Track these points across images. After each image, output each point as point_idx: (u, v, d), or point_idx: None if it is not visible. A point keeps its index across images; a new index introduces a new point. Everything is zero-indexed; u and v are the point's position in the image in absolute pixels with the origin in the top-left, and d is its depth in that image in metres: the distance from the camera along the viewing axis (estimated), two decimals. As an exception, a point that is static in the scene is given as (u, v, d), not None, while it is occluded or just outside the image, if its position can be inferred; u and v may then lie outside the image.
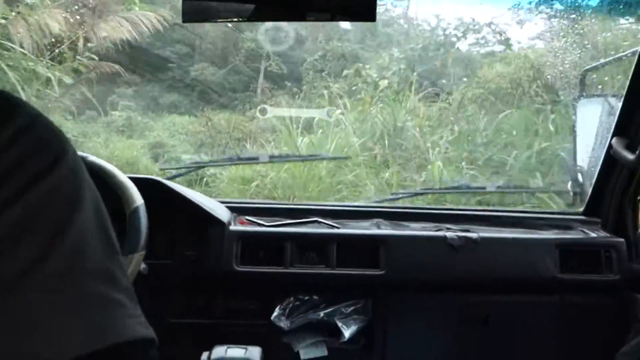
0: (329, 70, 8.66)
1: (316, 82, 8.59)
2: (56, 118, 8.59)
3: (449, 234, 1.94)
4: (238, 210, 2.08)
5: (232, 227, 1.90)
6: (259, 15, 1.56)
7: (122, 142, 9.48)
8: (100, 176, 1.65)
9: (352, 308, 1.92)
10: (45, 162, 0.54)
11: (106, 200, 0.60)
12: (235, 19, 1.55)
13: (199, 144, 9.57)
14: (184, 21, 1.56)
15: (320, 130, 6.89)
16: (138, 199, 1.62)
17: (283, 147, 6.93)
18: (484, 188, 2.22)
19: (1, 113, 0.55)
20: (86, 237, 0.54)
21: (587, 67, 3.21)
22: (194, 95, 10.66)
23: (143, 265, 1.57)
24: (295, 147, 6.03)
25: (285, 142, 6.89)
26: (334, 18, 1.45)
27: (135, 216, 1.57)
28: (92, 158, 1.69)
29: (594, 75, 2.82)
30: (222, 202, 2.09)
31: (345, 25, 9.01)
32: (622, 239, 1.99)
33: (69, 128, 9.10)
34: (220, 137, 9.40)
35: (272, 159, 2.25)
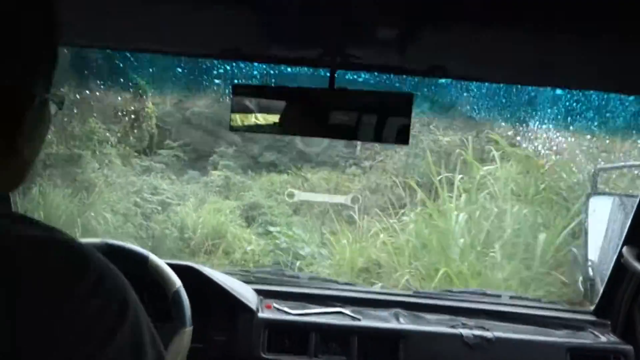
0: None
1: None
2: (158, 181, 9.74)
3: (464, 332, 2.03)
4: (264, 293, 2.18)
5: (260, 315, 1.99)
6: (296, 130, 1.70)
7: (217, 203, 9.46)
8: (139, 262, 1.78)
9: (371, 401, 1.99)
10: (116, 312, 0.65)
11: (147, 284, 0.75)
12: (276, 133, 1.69)
13: (295, 207, 9.44)
14: (231, 129, 1.71)
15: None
16: (177, 281, 1.75)
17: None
18: (499, 296, 2.32)
19: (78, 265, 0.66)
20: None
21: (601, 166, 3.34)
22: (292, 154, 10.56)
23: None
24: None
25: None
26: (370, 139, 1.59)
27: (179, 295, 1.73)
28: (130, 246, 1.82)
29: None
30: (248, 283, 2.19)
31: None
32: (631, 347, 2.06)
33: (167, 190, 9.65)
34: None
35: (312, 279, 2.37)
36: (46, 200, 7.81)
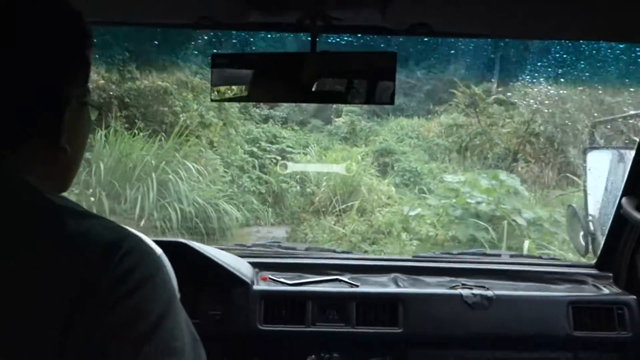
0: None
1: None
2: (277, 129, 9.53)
3: (464, 292, 2.01)
4: (260, 266, 2.16)
5: (256, 287, 1.98)
6: (279, 96, 1.66)
7: (343, 150, 8.89)
8: None
9: (372, 366, 1.98)
10: (144, 274, 0.74)
11: None
12: (259, 99, 1.64)
13: (432, 149, 8.94)
14: (212, 100, 1.66)
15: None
16: (157, 249, 1.69)
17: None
18: (499, 255, 2.30)
19: (134, 260, 0.74)
20: (178, 327, 0.75)
21: (597, 120, 3.28)
22: (420, 96, 10.03)
23: None
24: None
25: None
26: (353, 101, 1.54)
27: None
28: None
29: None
30: (244, 257, 2.17)
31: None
32: (634, 296, 2.04)
33: (287, 138, 9.32)
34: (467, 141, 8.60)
35: (309, 250, 2.34)
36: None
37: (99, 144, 7.17)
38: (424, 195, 8.08)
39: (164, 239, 1.91)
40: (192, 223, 7.01)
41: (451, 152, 9.09)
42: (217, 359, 1.97)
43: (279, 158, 8.78)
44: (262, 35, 1.71)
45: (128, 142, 7.45)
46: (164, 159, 7.53)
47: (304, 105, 9.83)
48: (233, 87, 1.62)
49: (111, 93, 7.48)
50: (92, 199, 6.69)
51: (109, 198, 6.86)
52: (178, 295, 1.46)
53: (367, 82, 1.51)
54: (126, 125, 7.66)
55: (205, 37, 1.75)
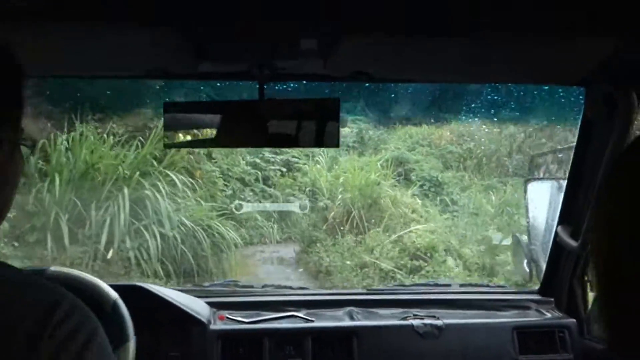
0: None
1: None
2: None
3: (415, 322, 2.09)
4: (217, 305, 2.20)
5: (213, 326, 2.01)
6: (229, 142, 1.73)
7: (354, 160, 8.22)
8: (70, 284, 1.74)
9: (329, 400, 2.03)
10: (82, 341, 0.71)
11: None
12: (210, 145, 1.72)
13: (446, 157, 8.40)
14: (165, 147, 1.73)
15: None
16: (113, 294, 1.71)
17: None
18: (449, 285, 2.40)
19: (53, 300, 0.72)
20: None
21: (535, 153, 3.48)
22: (426, 104, 9.66)
23: None
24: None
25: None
26: (300, 145, 1.63)
27: (117, 307, 1.66)
28: (54, 269, 1.76)
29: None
30: (201, 297, 2.21)
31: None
32: (574, 320, 2.16)
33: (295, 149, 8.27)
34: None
35: (265, 287, 2.40)
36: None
37: (58, 153, 5.94)
38: (447, 207, 7.59)
39: (120, 282, 1.93)
40: (178, 252, 5.97)
41: (466, 160, 8.59)
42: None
43: (284, 169, 8.26)
44: (212, 83, 1.80)
45: (97, 149, 6.15)
46: (140, 169, 6.26)
47: None
48: (185, 134, 1.70)
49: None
50: (47, 222, 5.62)
51: (70, 221, 5.80)
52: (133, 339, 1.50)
53: (313, 127, 1.61)
54: (99, 131, 6.46)
55: (157, 87, 1.82)
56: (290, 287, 2.45)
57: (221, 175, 7.60)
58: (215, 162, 7.75)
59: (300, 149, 8.14)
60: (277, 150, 8.25)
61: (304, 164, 8.42)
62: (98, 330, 0.75)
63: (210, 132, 1.67)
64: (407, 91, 1.94)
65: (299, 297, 2.32)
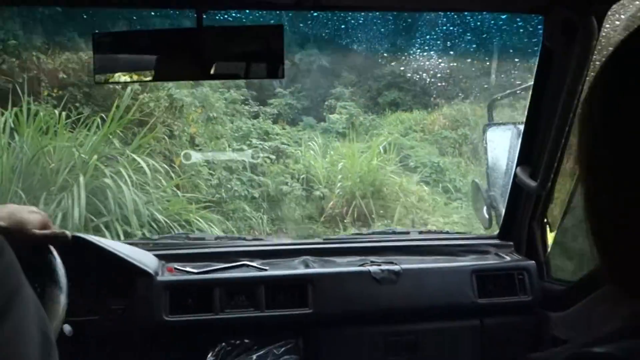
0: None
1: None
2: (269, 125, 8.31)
3: (372, 268, 2.03)
4: (167, 258, 2.09)
5: (160, 277, 1.91)
6: (167, 75, 1.61)
7: (350, 146, 7.77)
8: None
9: (283, 348, 1.96)
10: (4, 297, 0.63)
11: None
12: (143, 79, 1.59)
13: (440, 143, 8.08)
14: (96, 82, 1.59)
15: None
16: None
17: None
18: (408, 233, 2.34)
19: None
20: (22, 329, 0.64)
21: (495, 96, 3.44)
22: (416, 90, 9.19)
23: (68, 328, 1.56)
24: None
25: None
26: (243, 77, 1.52)
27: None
28: None
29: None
30: (150, 250, 2.10)
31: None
32: (533, 261, 2.13)
33: (280, 134, 8.23)
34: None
35: (218, 239, 2.29)
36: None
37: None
38: (452, 195, 7.28)
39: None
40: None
41: (461, 146, 8.31)
42: (123, 354, 1.90)
43: (273, 157, 7.81)
44: (146, 13, 1.66)
45: (50, 129, 5.11)
46: (99, 152, 5.25)
47: (293, 102, 9.37)
48: (118, 68, 1.56)
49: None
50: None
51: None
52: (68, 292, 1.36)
53: (256, 56, 1.50)
54: (49, 106, 5.54)
55: (85, 16, 1.67)
56: (244, 238, 2.35)
57: (206, 164, 7.17)
58: (200, 149, 7.38)
59: (288, 136, 8.44)
60: (265, 136, 8.15)
61: (295, 150, 8.08)
62: (3, 250, 0.66)
63: (146, 65, 1.54)
64: (358, 22, 1.82)
65: (253, 247, 2.23)
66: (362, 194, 6.83)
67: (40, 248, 1.39)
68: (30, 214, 1.36)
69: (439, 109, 8.68)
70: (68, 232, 1.44)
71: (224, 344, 1.93)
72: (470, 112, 8.00)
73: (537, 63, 1.89)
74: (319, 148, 7.95)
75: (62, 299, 1.44)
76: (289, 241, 2.65)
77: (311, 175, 7.49)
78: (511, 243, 2.29)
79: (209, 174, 7.16)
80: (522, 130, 2.44)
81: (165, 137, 6.84)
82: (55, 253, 1.42)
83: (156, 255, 2.06)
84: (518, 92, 3.06)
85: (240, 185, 7.28)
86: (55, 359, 0.70)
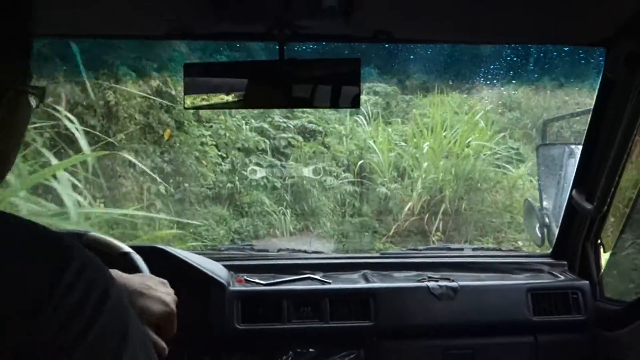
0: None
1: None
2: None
3: (430, 284, 2.12)
4: (234, 269, 2.22)
5: (232, 288, 2.04)
6: (252, 103, 1.73)
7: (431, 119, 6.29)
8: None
9: (347, 359, 2.06)
10: (96, 297, 0.65)
11: None
12: (231, 107, 1.72)
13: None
14: (185, 108, 1.73)
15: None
16: (124, 246, 1.67)
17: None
18: (462, 249, 2.43)
19: (62, 259, 0.66)
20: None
21: (547, 118, 3.47)
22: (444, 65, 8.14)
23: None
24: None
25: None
26: (321, 106, 1.63)
27: (131, 257, 1.60)
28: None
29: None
30: (218, 260, 2.23)
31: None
32: (587, 281, 2.19)
33: (307, 111, 6.79)
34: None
35: (281, 251, 2.41)
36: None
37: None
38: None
39: (138, 244, 1.95)
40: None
41: (513, 130, 6.91)
42: (197, 360, 2.03)
43: (300, 139, 6.50)
44: (232, 44, 1.79)
45: None
46: None
47: None
48: (205, 95, 1.69)
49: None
50: None
51: None
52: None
53: (333, 87, 1.61)
54: None
55: (176, 48, 1.81)
56: (305, 251, 2.47)
57: (214, 143, 6.01)
58: (210, 125, 6.24)
59: (316, 113, 7.15)
60: (289, 114, 6.87)
61: (332, 131, 6.79)
62: (111, 286, 0.69)
63: (230, 93, 1.67)
64: (427, 52, 1.93)
65: (314, 260, 2.35)
66: (455, 193, 5.17)
67: None
68: (158, 304, 1.25)
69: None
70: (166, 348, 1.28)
71: (291, 352, 2.04)
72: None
73: (597, 90, 1.96)
74: (366, 127, 6.55)
75: None
76: (348, 255, 2.76)
77: (367, 163, 6.03)
78: (565, 262, 2.35)
79: (218, 155, 6.00)
80: (574, 151, 2.51)
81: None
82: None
83: (224, 266, 2.20)
84: (572, 116, 3.11)
85: (259, 168, 6.18)
86: None
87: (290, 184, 6.14)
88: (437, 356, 2.11)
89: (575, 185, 2.20)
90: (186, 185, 5.84)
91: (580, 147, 2.20)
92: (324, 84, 1.61)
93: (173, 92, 5.54)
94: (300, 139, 6.66)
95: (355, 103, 1.60)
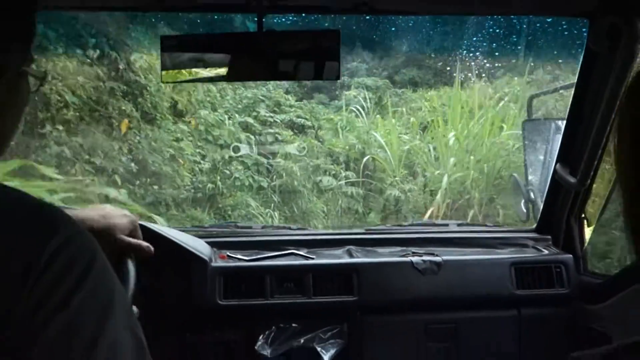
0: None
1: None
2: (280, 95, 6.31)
3: (414, 259, 2.12)
4: (218, 245, 2.21)
5: (214, 264, 2.03)
6: (230, 76, 1.70)
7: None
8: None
9: (329, 333, 2.07)
10: (80, 271, 0.66)
11: None
12: (210, 79, 1.69)
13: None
14: (163, 81, 1.70)
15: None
16: None
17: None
18: (447, 225, 2.42)
19: (49, 227, 0.67)
20: (118, 338, 0.67)
21: (533, 93, 3.46)
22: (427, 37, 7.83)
23: (135, 309, 1.68)
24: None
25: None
26: (301, 77, 1.61)
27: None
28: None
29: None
30: (202, 237, 2.22)
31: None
32: (570, 255, 2.20)
33: (295, 106, 6.40)
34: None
35: (265, 228, 2.40)
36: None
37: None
38: None
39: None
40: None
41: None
42: (180, 335, 2.03)
43: (290, 134, 6.03)
44: (210, 16, 1.76)
45: None
46: None
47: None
48: (183, 68, 1.66)
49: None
50: None
51: None
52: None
53: (313, 60, 1.59)
54: None
55: (153, 19, 1.78)
56: (289, 228, 2.46)
57: (192, 140, 5.61)
58: (188, 120, 5.84)
59: (305, 108, 6.90)
60: (277, 108, 6.56)
61: (316, 127, 6.34)
62: (97, 255, 0.70)
63: (209, 67, 1.64)
64: (408, 25, 1.90)
65: (298, 236, 2.34)
66: (485, 194, 4.40)
67: (120, 254, 1.42)
68: (122, 218, 1.40)
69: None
70: (151, 247, 1.48)
71: (274, 327, 2.04)
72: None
73: (580, 64, 1.94)
74: (366, 118, 5.98)
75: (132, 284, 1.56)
76: (332, 231, 2.76)
77: (372, 159, 5.48)
78: (549, 237, 2.35)
79: (197, 153, 5.47)
80: (560, 126, 2.50)
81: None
82: (132, 263, 1.52)
83: (207, 243, 2.18)
84: (558, 89, 3.10)
85: (242, 170, 5.62)
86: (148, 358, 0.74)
87: (278, 185, 5.66)
88: (420, 330, 2.12)
89: (559, 159, 2.19)
90: (155, 187, 5.38)
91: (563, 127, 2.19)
92: (304, 56, 1.59)
93: (142, 81, 5.20)
94: (290, 133, 6.25)
95: (335, 74, 1.58)
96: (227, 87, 6.47)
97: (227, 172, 5.52)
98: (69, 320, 0.63)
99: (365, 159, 5.46)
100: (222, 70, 1.63)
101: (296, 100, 6.89)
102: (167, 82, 1.67)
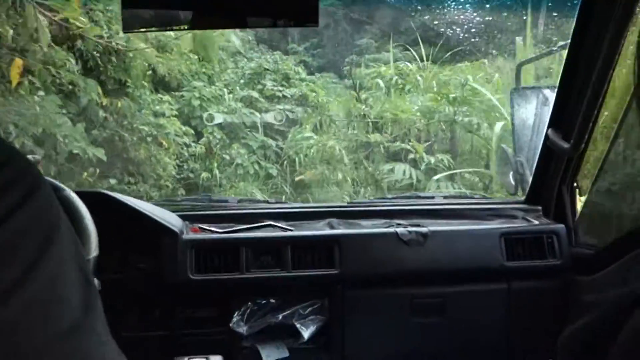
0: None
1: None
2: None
3: (399, 230, 2.00)
4: (191, 219, 2.07)
5: (185, 236, 1.89)
6: (199, 23, 1.56)
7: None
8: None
9: (309, 309, 1.95)
10: (20, 194, 0.56)
11: None
12: (175, 28, 1.55)
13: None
14: (124, 31, 1.54)
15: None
16: (59, 184, 1.53)
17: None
18: (433, 197, 2.31)
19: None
20: (62, 268, 0.58)
21: (522, 60, 3.35)
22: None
23: (96, 281, 1.54)
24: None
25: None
26: (276, 23, 1.47)
27: (63, 196, 1.49)
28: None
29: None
30: (175, 211, 2.07)
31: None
32: (562, 225, 2.09)
33: (305, 79, 5.77)
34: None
35: (241, 202, 2.26)
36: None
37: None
38: None
39: (83, 189, 1.78)
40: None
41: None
42: (149, 312, 1.89)
43: (300, 111, 5.24)
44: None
45: None
46: None
47: (309, 60, 7.42)
48: (145, 13, 1.51)
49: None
50: None
51: None
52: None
53: (289, 3, 1.45)
54: None
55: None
56: (267, 201, 2.33)
57: (175, 112, 4.62)
58: (181, 95, 4.90)
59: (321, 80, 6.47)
60: (284, 81, 5.76)
61: (327, 100, 5.58)
62: (37, 187, 0.60)
63: (174, 10, 1.49)
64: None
65: (277, 209, 2.21)
66: None
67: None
68: None
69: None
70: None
71: (250, 303, 1.92)
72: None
73: (575, 20, 1.83)
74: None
75: (93, 249, 1.43)
76: (313, 204, 2.63)
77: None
78: (539, 207, 2.25)
79: (180, 130, 4.48)
80: (548, 96, 2.40)
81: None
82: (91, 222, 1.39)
83: (180, 216, 2.04)
84: (549, 54, 3.00)
85: (245, 154, 4.77)
86: (96, 299, 0.63)
87: (290, 171, 4.82)
88: (406, 305, 2.01)
89: (551, 124, 2.08)
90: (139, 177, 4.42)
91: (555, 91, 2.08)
92: (278, 2, 1.45)
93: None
94: (300, 110, 5.43)
95: (313, 19, 1.44)
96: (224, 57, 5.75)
97: (227, 157, 4.73)
98: (5, 239, 0.53)
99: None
100: (190, 16, 1.48)
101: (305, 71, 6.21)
102: (128, 32, 1.52)
